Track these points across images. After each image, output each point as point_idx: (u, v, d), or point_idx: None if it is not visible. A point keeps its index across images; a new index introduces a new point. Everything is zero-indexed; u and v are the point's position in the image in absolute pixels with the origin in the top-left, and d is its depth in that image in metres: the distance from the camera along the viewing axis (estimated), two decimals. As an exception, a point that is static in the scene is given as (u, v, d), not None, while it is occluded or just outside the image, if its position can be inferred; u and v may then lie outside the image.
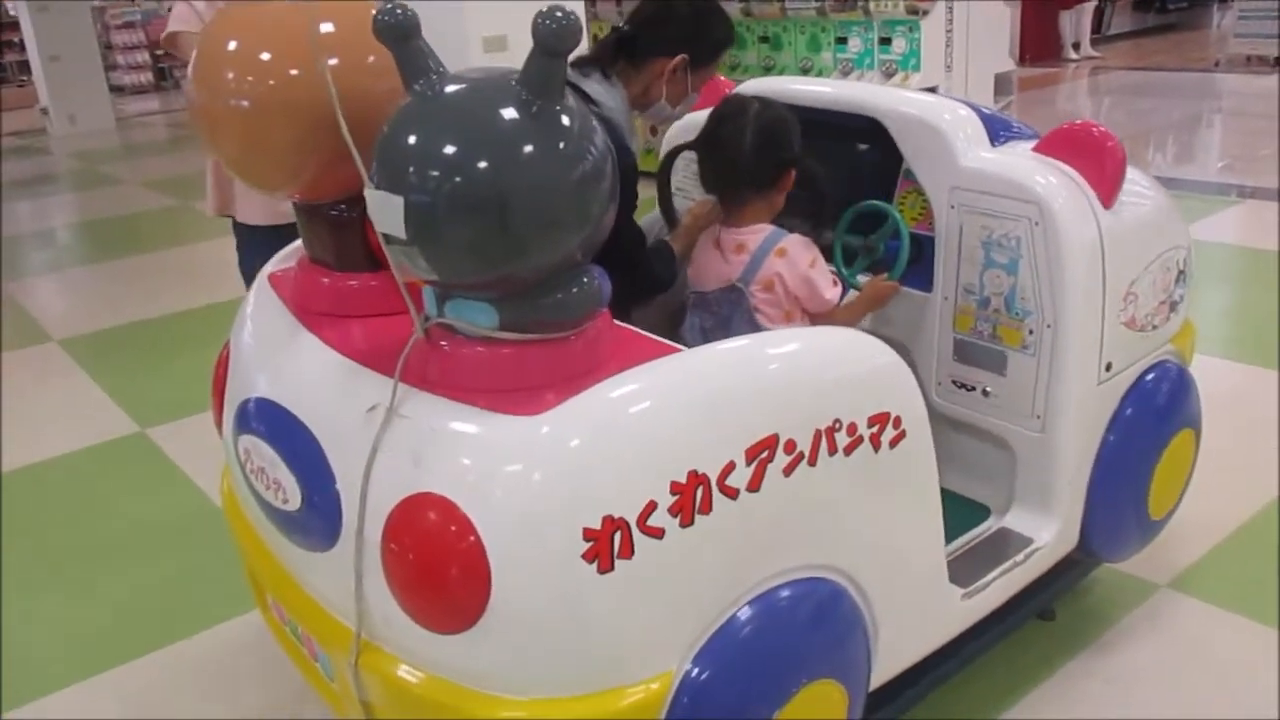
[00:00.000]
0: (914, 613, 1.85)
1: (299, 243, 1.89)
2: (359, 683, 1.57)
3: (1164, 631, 2.47)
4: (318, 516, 1.60)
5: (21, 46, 13.01)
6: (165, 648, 2.68)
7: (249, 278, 2.82)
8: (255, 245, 2.96)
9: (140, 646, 2.69)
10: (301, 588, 1.74)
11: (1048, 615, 2.45)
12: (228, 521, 2.04)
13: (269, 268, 2.03)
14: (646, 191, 2.14)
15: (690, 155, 2.25)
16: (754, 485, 1.49)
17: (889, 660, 1.82)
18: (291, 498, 1.63)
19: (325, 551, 1.61)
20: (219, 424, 1.97)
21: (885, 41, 6.16)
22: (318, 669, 1.78)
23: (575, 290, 1.48)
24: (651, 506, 1.40)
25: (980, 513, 2.26)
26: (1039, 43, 12.18)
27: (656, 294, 2.19)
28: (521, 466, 1.41)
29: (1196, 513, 2.68)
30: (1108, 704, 2.25)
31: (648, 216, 2.36)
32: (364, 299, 1.76)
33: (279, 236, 2.66)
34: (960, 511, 2.22)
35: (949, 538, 1.92)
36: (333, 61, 1.53)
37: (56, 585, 3.04)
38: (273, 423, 1.69)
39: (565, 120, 1.39)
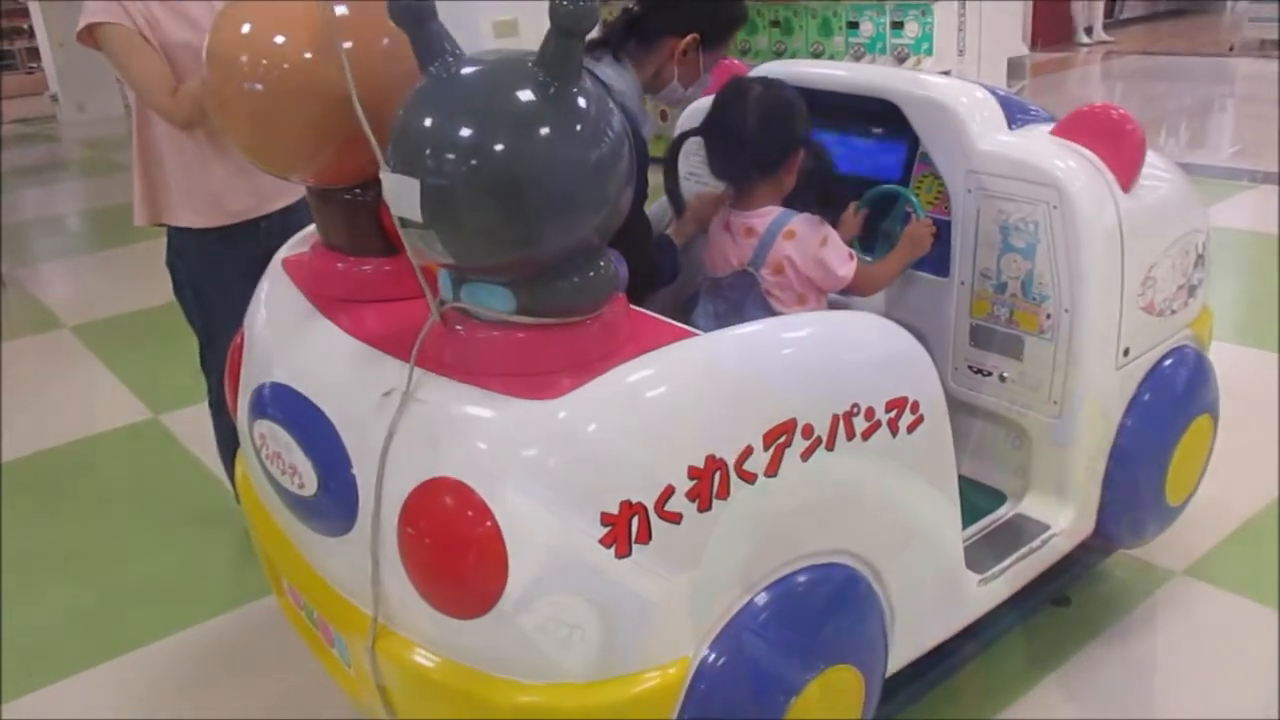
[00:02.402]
0: (930, 598, 1.85)
1: (311, 228, 1.89)
2: (376, 668, 1.57)
3: (1179, 618, 2.46)
4: (334, 501, 1.60)
5: (31, 33, 13.00)
6: (178, 633, 2.69)
7: (199, 292, 2.65)
8: (199, 252, 2.62)
9: (153, 632, 2.70)
10: (317, 573, 1.75)
11: (1063, 602, 2.44)
12: (244, 508, 2.04)
13: (283, 252, 2.02)
14: (656, 178, 2.13)
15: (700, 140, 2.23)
16: (772, 470, 1.49)
17: (905, 646, 1.82)
18: (308, 483, 1.63)
19: (342, 536, 1.61)
20: (234, 410, 1.97)
21: (897, 26, 6.10)
22: (334, 655, 1.78)
23: (592, 274, 1.47)
24: (669, 491, 1.40)
25: (996, 499, 2.25)
26: (1051, 27, 12.08)
27: (657, 287, 2.17)
28: (538, 451, 1.41)
29: (1213, 499, 2.66)
30: (1123, 690, 2.24)
31: (653, 207, 2.35)
32: (379, 284, 1.76)
33: (226, 240, 2.57)
34: (975, 497, 2.22)
35: (964, 523, 1.91)
36: (347, 45, 1.52)
37: (69, 571, 3.05)
38: (289, 408, 1.69)
39: (583, 102, 1.37)
